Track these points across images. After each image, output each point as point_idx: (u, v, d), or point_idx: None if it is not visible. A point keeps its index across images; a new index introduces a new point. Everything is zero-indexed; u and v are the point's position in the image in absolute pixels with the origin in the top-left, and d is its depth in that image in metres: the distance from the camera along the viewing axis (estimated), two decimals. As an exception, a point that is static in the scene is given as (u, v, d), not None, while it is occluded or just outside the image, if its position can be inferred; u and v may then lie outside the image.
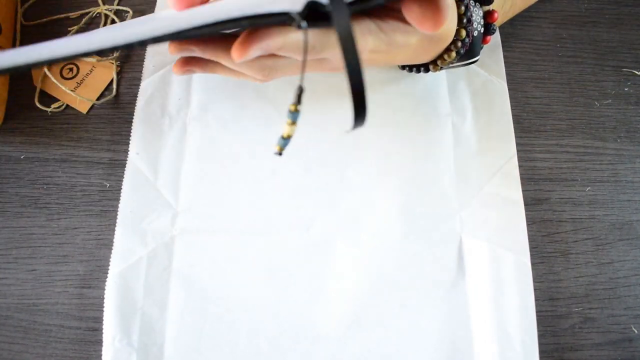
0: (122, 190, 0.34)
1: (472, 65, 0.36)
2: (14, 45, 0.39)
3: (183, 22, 0.18)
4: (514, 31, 0.40)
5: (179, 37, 0.18)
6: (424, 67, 0.33)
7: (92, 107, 0.38)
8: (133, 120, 0.36)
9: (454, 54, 0.30)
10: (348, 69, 0.15)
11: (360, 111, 0.16)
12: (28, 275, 0.33)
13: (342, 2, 0.15)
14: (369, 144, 0.35)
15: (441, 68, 0.31)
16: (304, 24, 0.16)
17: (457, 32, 0.29)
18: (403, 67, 0.36)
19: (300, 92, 0.18)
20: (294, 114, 0.19)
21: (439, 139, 0.36)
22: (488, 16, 0.30)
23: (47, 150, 0.36)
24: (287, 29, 0.20)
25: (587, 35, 0.40)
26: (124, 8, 0.40)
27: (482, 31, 0.30)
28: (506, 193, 0.34)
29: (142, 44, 0.17)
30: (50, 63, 0.18)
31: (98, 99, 0.38)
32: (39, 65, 0.17)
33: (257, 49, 0.21)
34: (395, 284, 0.32)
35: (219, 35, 0.26)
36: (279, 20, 0.17)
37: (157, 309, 0.32)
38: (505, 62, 0.38)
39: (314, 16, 0.16)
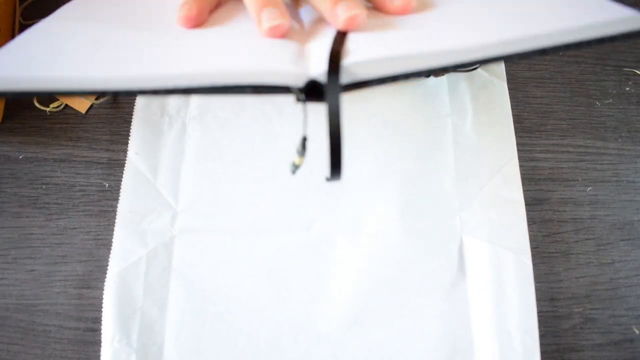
0: (121, 190, 0.34)
1: None
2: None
3: (195, 79, 0.19)
4: (515, 30, 0.40)
5: (187, 92, 0.19)
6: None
7: (91, 107, 0.38)
8: (132, 120, 0.36)
9: None
10: (330, 139, 0.18)
11: (336, 170, 0.19)
12: (27, 276, 0.33)
13: (337, 84, 0.18)
14: (369, 144, 0.35)
15: (444, 73, 0.31)
16: (302, 97, 0.19)
17: None
18: None
19: (304, 141, 0.21)
20: (302, 151, 0.22)
21: (439, 139, 0.35)
22: None
23: (46, 150, 0.36)
24: None
25: (588, 34, 0.40)
26: (123, 7, 0.40)
27: None
28: (507, 193, 0.34)
29: (143, 93, 0.19)
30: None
31: (97, 98, 0.38)
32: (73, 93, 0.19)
33: None
34: (396, 284, 0.32)
35: None
36: (282, 90, 0.19)
37: (157, 309, 0.31)
38: (505, 62, 0.38)
39: (311, 89, 0.19)
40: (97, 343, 0.31)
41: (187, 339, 0.31)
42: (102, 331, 0.31)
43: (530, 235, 0.33)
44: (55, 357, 0.32)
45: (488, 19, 0.22)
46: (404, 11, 0.24)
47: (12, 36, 0.39)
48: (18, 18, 0.40)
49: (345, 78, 0.20)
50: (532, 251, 0.33)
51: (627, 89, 0.38)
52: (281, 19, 0.23)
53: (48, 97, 0.38)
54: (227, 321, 0.31)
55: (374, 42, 0.22)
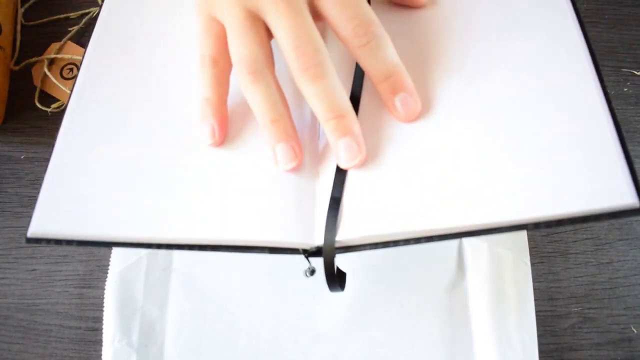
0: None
1: None
2: (14, 46, 0.39)
3: (222, 242, 0.23)
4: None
5: (214, 249, 0.23)
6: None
7: (92, 107, 0.38)
8: None
9: None
10: (326, 274, 0.23)
11: (333, 288, 0.24)
12: (28, 275, 0.33)
13: (333, 248, 0.23)
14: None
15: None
16: (306, 254, 0.24)
17: None
18: None
19: (313, 271, 0.28)
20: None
21: None
22: None
23: (48, 150, 0.36)
24: None
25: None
26: (124, 8, 0.40)
27: None
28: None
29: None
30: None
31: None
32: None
33: None
34: (395, 283, 0.32)
35: None
36: (291, 251, 0.24)
37: (157, 308, 0.32)
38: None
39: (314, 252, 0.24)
40: (98, 342, 0.31)
41: (187, 338, 0.31)
42: (103, 330, 0.31)
43: (528, 235, 0.33)
44: (56, 356, 0.32)
45: (502, 184, 0.21)
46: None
47: (14, 37, 0.39)
48: (20, 19, 0.40)
49: (340, 244, 0.23)
50: (530, 251, 0.33)
51: (625, 89, 0.38)
52: (294, 161, 0.24)
53: (49, 96, 0.38)
54: (227, 321, 0.32)
55: (373, 207, 0.23)
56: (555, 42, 0.24)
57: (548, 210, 0.19)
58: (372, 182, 0.24)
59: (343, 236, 0.23)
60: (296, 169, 0.24)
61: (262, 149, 0.25)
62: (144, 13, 0.30)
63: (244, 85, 0.23)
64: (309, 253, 0.24)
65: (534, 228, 0.20)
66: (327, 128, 0.23)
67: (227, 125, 0.25)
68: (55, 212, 0.23)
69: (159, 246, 0.23)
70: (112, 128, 0.26)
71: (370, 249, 0.23)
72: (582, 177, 0.20)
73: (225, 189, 0.25)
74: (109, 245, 0.24)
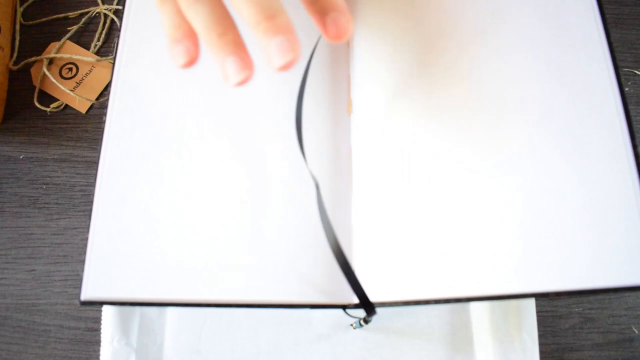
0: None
1: None
2: (13, 45, 0.39)
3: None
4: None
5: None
6: None
7: (91, 107, 0.38)
8: None
9: None
10: (339, 264, 0.24)
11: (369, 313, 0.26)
12: (27, 276, 0.33)
13: (372, 309, 0.25)
14: None
15: None
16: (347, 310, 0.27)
17: None
18: None
19: (367, 321, 0.28)
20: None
21: None
22: None
23: (47, 150, 0.36)
24: None
25: (587, 35, 0.40)
26: (124, 8, 0.40)
27: None
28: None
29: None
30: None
31: (97, 98, 0.38)
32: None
33: None
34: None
35: None
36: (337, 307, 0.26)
37: (156, 309, 0.32)
38: None
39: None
40: (97, 343, 0.31)
41: (186, 338, 0.31)
42: (102, 331, 0.31)
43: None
44: (56, 357, 0.32)
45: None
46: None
47: (13, 36, 0.39)
48: (19, 18, 0.40)
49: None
50: (531, 251, 0.33)
51: (627, 89, 0.38)
52: (245, 71, 0.22)
53: (48, 96, 0.38)
54: (227, 321, 0.31)
55: (405, 269, 0.25)
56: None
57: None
58: (393, 238, 0.26)
59: (377, 298, 0.25)
60: (247, 81, 0.23)
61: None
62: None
63: (185, 6, 0.22)
64: (348, 307, 0.26)
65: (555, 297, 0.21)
66: (258, 33, 0.21)
67: (199, 46, 0.24)
68: (110, 275, 0.24)
69: (209, 305, 0.24)
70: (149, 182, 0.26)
71: (403, 305, 0.25)
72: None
73: (266, 250, 0.26)
74: (165, 305, 0.25)
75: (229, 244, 0.25)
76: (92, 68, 0.38)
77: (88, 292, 0.20)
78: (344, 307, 0.26)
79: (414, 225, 0.25)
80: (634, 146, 0.22)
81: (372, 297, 0.25)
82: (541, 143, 0.24)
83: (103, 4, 0.40)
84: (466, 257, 0.23)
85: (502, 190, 0.24)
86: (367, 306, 0.25)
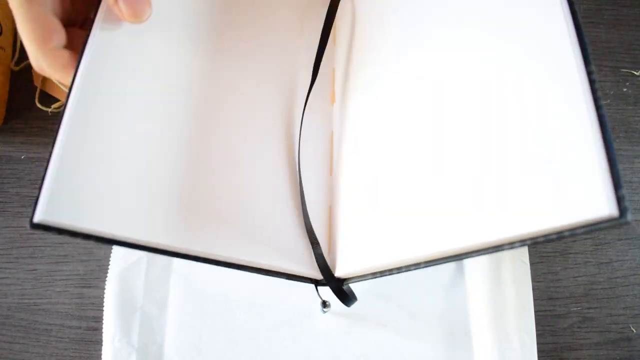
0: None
1: None
2: (14, 46, 0.39)
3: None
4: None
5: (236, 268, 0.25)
6: None
7: (92, 108, 0.38)
8: None
9: None
10: (342, 301, 0.28)
11: (346, 303, 0.28)
12: (28, 275, 0.33)
13: (338, 284, 0.27)
14: None
15: None
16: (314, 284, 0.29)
17: None
18: None
19: (325, 303, 0.30)
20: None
21: None
22: None
23: (48, 150, 0.36)
24: None
25: (586, 35, 0.40)
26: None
27: None
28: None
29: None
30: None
31: (98, 99, 0.38)
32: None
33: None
34: (395, 283, 0.32)
35: None
36: (306, 280, 0.28)
37: (157, 308, 0.32)
38: None
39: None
40: (98, 342, 0.31)
41: (187, 338, 0.31)
42: (103, 330, 0.31)
43: (528, 235, 0.33)
44: (57, 356, 0.32)
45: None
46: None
47: (15, 37, 0.40)
48: (20, 19, 0.40)
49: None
50: (530, 250, 0.33)
51: (625, 89, 0.38)
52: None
53: (49, 97, 0.38)
54: (227, 320, 0.32)
55: (368, 239, 0.25)
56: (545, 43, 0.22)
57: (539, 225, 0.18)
58: (365, 211, 0.26)
59: (341, 271, 0.26)
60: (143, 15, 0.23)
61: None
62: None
63: None
64: (318, 283, 0.28)
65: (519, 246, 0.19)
66: None
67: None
68: (65, 201, 0.22)
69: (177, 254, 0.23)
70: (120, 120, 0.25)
71: (372, 278, 0.25)
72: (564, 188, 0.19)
73: (243, 207, 0.26)
74: (117, 243, 0.23)
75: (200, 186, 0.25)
76: (93, 69, 0.38)
77: (39, 215, 0.20)
78: (316, 282, 0.28)
79: (383, 200, 0.26)
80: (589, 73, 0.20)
81: (340, 272, 0.26)
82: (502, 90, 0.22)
83: (104, 5, 0.41)
84: (429, 217, 0.22)
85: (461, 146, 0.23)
86: (330, 280, 0.26)
